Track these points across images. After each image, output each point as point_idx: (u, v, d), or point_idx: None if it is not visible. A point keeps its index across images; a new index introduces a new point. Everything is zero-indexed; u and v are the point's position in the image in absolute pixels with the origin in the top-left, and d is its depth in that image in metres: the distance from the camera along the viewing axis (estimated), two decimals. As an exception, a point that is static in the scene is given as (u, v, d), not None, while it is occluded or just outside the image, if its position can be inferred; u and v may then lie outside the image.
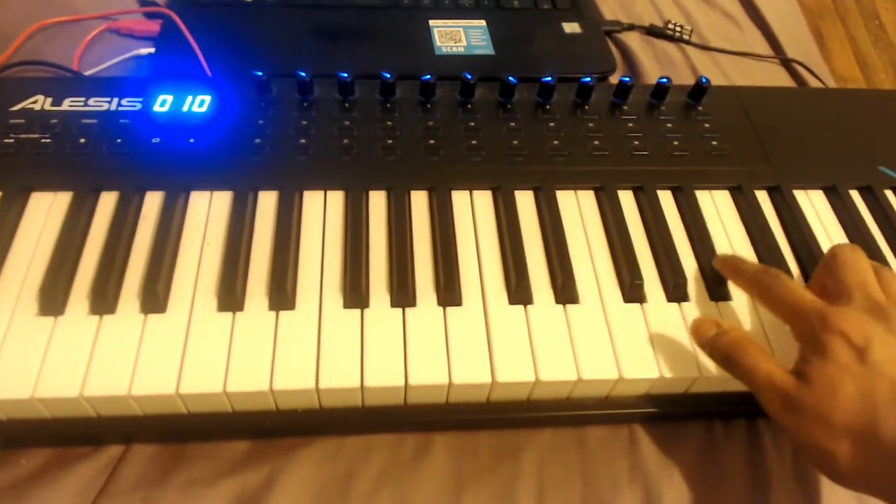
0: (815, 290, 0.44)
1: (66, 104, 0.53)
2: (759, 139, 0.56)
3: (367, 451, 0.44)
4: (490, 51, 0.68)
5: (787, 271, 0.48)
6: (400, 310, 0.44)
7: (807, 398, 0.37)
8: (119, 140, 0.51)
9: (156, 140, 0.51)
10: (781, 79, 0.74)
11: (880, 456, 0.35)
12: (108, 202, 0.48)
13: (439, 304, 0.45)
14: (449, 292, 0.45)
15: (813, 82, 0.73)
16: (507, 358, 0.43)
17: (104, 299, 0.43)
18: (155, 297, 0.43)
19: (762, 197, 0.53)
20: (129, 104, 0.53)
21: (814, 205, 0.54)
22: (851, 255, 0.43)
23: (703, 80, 0.57)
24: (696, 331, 0.44)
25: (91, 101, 0.53)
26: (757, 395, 0.40)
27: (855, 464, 0.36)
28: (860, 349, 0.37)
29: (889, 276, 0.43)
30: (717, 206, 0.52)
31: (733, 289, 0.47)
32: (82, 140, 0.50)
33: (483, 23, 0.70)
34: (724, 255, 0.48)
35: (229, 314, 0.43)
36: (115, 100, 0.53)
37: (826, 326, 0.39)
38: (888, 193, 0.55)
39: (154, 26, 0.66)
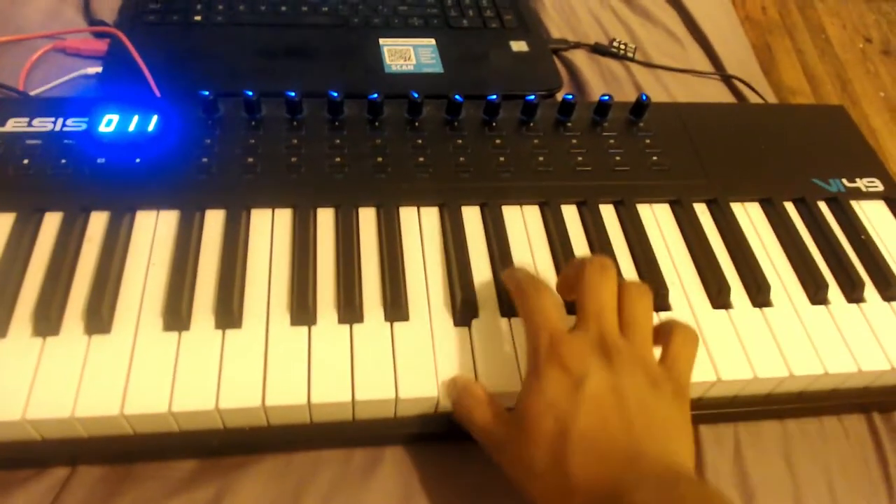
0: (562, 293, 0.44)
1: (10, 125, 0.52)
2: (697, 154, 0.58)
3: (316, 466, 0.44)
4: (440, 69, 0.69)
5: (725, 283, 0.50)
6: (347, 326, 0.45)
7: (509, 436, 0.38)
8: (63, 160, 0.50)
9: (101, 160, 0.51)
10: (723, 95, 0.76)
11: (577, 500, 0.35)
12: (51, 223, 0.48)
13: (386, 319, 0.45)
14: (395, 308, 0.45)
15: (753, 98, 0.76)
16: (452, 372, 0.43)
17: (47, 321, 0.43)
18: (99, 318, 0.43)
19: (701, 210, 0.55)
20: (75, 124, 0.53)
21: (750, 217, 0.56)
22: (597, 278, 0.41)
23: (644, 98, 0.59)
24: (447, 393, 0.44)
25: (35, 122, 0.53)
26: (476, 440, 0.41)
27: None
28: (575, 382, 0.37)
29: (632, 297, 0.41)
30: (657, 220, 0.54)
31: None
32: (25, 161, 0.50)
33: (433, 41, 0.72)
34: (511, 268, 0.47)
35: (175, 333, 0.43)
36: (60, 120, 0.53)
37: (550, 354, 0.38)
38: (821, 205, 0.57)
39: (101, 45, 0.66)
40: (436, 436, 0.45)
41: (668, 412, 0.38)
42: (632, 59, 0.76)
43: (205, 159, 0.52)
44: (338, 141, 0.54)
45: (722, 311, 0.49)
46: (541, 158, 0.56)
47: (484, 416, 0.41)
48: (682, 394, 0.39)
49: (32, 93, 0.62)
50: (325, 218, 0.50)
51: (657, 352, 0.41)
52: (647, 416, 0.37)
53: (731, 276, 0.51)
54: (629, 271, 0.50)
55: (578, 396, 0.36)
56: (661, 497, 0.33)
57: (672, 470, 0.35)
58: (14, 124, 0.52)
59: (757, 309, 0.50)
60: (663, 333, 0.41)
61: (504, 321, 0.46)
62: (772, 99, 0.77)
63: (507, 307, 0.47)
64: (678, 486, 0.34)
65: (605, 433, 0.36)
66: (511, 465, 0.39)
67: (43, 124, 0.52)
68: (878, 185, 0.59)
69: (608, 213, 0.54)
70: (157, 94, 0.61)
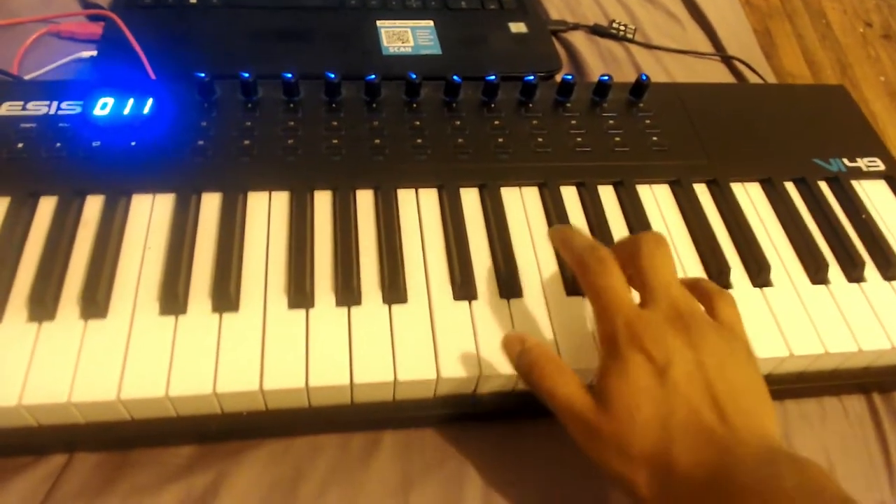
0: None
1: (4, 108, 0.52)
2: (697, 134, 0.58)
3: (315, 451, 0.44)
4: (437, 51, 0.68)
5: (725, 263, 0.49)
6: (345, 309, 0.44)
7: (605, 426, 0.36)
8: (58, 144, 0.50)
9: (96, 143, 0.50)
10: (723, 76, 0.75)
11: (674, 484, 0.35)
12: (46, 207, 0.47)
13: (384, 302, 0.45)
14: (394, 290, 0.45)
15: (753, 78, 0.75)
16: (452, 354, 0.43)
17: (43, 306, 0.42)
18: (95, 303, 0.42)
19: (701, 190, 0.55)
20: (69, 108, 0.52)
21: (750, 197, 0.55)
22: (656, 252, 0.40)
23: (644, 78, 0.58)
24: (504, 348, 0.43)
25: (30, 105, 0.52)
26: (558, 418, 0.39)
27: (655, 494, 0.35)
28: (660, 369, 0.36)
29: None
30: (657, 200, 0.54)
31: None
32: (20, 145, 0.49)
33: (431, 23, 0.71)
34: (557, 227, 0.45)
35: (172, 317, 0.43)
36: (55, 103, 0.52)
37: (630, 339, 0.37)
38: (822, 185, 0.57)
39: (96, 29, 0.65)
40: (435, 419, 0.45)
41: (750, 377, 0.38)
42: (631, 41, 0.76)
43: (201, 142, 0.51)
44: (335, 123, 0.54)
45: (722, 292, 0.49)
46: (540, 139, 0.55)
47: (569, 389, 0.38)
48: (751, 352, 0.40)
49: (27, 77, 0.61)
50: (323, 200, 0.50)
51: None
52: (733, 387, 0.37)
53: (731, 257, 0.51)
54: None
55: (670, 382, 0.36)
56: (761, 475, 0.33)
57: (766, 445, 0.35)
58: (8, 108, 0.52)
59: (757, 289, 0.49)
60: (703, 294, 0.42)
61: (503, 303, 0.46)
62: (772, 80, 0.76)
63: (506, 289, 0.46)
64: (776, 462, 0.34)
65: (701, 416, 0.36)
66: (599, 446, 0.37)
67: (37, 108, 0.52)
68: (879, 165, 0.59)
69: (607, 193, 0.53)
70: (153, 77, 0.60)
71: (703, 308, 0.40)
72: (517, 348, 0.41)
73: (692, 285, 0.42)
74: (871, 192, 0.57)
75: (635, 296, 0.41)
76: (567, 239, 0.43)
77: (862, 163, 0.59)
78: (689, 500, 0.34)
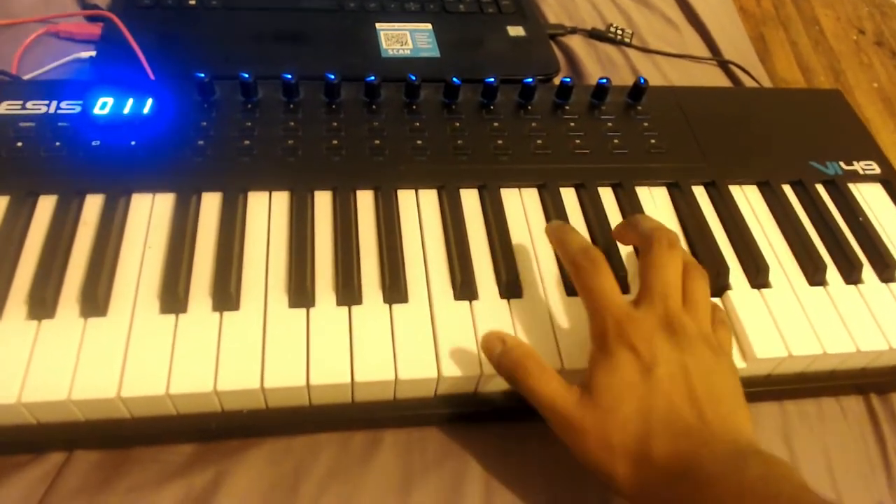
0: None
1: (3, 107, 0.52)
2: (695, 137, 0.58)
3: (315, 450, 0.44)
4: (436, 53, 0.69)
5: (724, 265, 0.50)
6: (346, 308, 0.44)
7: (587, 419, 0.38)
8: (58, 143, 0.50)
9: (96, 143, 0.50)
10: (719, 79, 0.76)
11: (652, 477, 0.36)
12: (46, 206, 0.47)
13: (385, 301, 0.45)
14: (394, 289, 0.45)
15: (749, 82, 0.76)
16: (453, 353, 0.43)
17: (43, 304, 0.42)
18: (95, 301, 0.42)
19: (699, 192, 0.55)
20: (69, 107, 0.52)
21: (748, 199, 0.56)
22: (666, 256, 0.42)
23: (642, 81, 0.59)
24: (484, 347, 0.43)
25: (29, 105, 0.52)
26: (541, 414, 0.40)
27: (632, 484, 0.37)
28: (646, 366, 0.38)
29: (695, 277, 0.43)
30: (655, 202, 0.54)
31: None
32: (19, 143, 0.49)
33: (429, 26, 0.71)
34: (554, 224, 0.47)
35: (172, 316, 0.43)
36: (55, 103, 0.52)
37: (619, 336, 0.39)
38: (819, 187, 0.57)
39: (95, 29, 0.65)
40: (435, 418, 0.45)
41: (730, 386, 0.40)
42: (629, 45, 0.76)
43: (201, 142, 0.51)
44: (335, 124, 0.54)
45: (721, 293, 0.49)
46: (539, 141, 0.55)
47: (550, 386, 0.39)
48: (734, 366, 0.41)
49: (25, 77, 0.61)
50: (323, 200, 0.50)
51: None
52: (713, 391, 0.38)
53: (729, 258, 0.51)
54: (629, 254, 0.50)
55: (654, 378, 0.38)
56: (731, 469, 0.35)
57: (739, 443, 0.37)
58: (7, 107, 0.51)
59: (756, 290, 0.49)
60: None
61: (504, 303, 0.46)
62: (767, 85, 0.77)
63: (507, 289, 0.46)
64: (744, 456, 0.36)
65: (679, 413, 0.37)
66: (581, 439, 0.38)
67: (37, 107, 0.52)
68: (875, 168, 0.59)
69: (607, 195, 0.54)
70: (152, 77, 0.60)
71: (696, 322, 0.41)
72: (498, 348, 0.42)
73: (688, 271, 0.43)
74: (868, 195, 0.57)
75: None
76: (562, 239, 0.45)
77: (858, 166, 0.59)
78: (664, 490, 0.36)
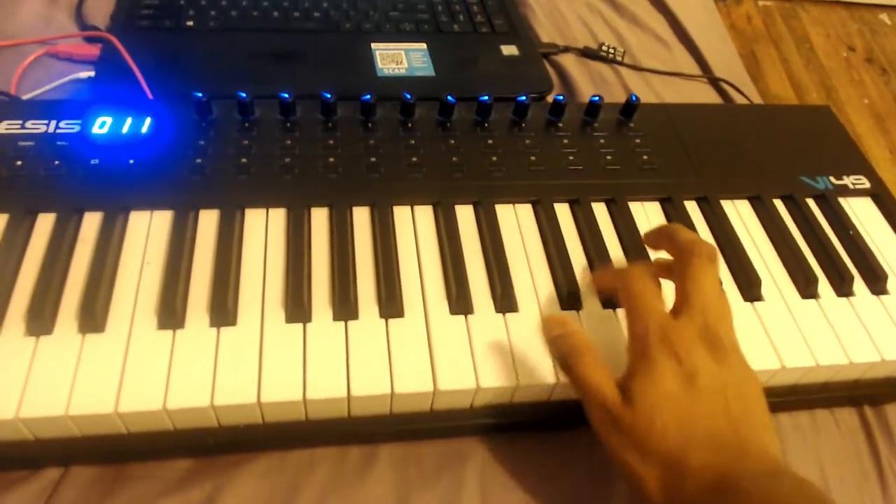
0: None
1: (3, 127, 0.52)
2: (687, 153, 0.59)
3: (311, 464, 0.44)
4: (431, 72, 0.69)
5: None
6: (342, 323, 0.45)
7: (627, 420, 0.38)
8: (57, 162, 0.50)
9: (94, 161, 0.51)
10: (710, 97, 0.77)
11: (685, 488, 0.36)
12: (45, 224, 0.48)
13: (381, 316, 0.46)
14: (390, 304, 0.45)
15: (740, 100, 0.77)
16: (448, 366, 0.44)
17: (41, 320, 0.42)
18: (93, 317, 0.43)
19: (691, 207, 0.56)
20: (68, 126, 0.53)
21: (740, 214, 0.56)
22: (707, 270, 0.42)
23: (634, 98, 0.60)
24: (544, 327, 0.44)
25: (28, 124, 0.53)
26: (584, 404, 0.40)
27: (662, 493, 0.37)
28: (688, 376, 0.38)
29: (723, 293, 0.44)
30: (648, 217, 0.55)
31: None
32: (18, 162, 0.50)
33: (424, 45, 0.72)
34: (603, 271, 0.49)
35: (169, 332, 0.43)
36: (53, 122, 0.53)
37: (662, 342, 0.39)
38: (810, 202, 0.58)
39: (94, 50, 0.66)
40: (431, 432, 0.45)
41: (760, 404, 0.40)
42: (620, 63, 0.77)
43: (199, 160, 0.52)
44: (331, 142, 0.55)
45: (714, 306, 0.49)
46: (533, 158, 0.56)
47: (600, 378, 0.40)
48: (759, 383, 0.41)
49: (24, 97, 0.62)
50: (320, 217, 0.50)
51: None
52: (747, 407, 0.39)
53: (722, 273, 0.51)
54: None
55: (694, 389, 0.38)
56: (766, 486, 0.35)
57: (774, 461, 0.38)
58: (7, 126, 0.52)
59: (748, 303, 0.50)
60: None
61: (499, 317, 0.47)
62: (758, 101, 0.78)
63: (502, 303, 0.47)
64: (782, 477, 0.36)
65: (717, 425, 0.38)
66: (619, 439, 0.38)
67: (36, 126, 0.52)
68: (865, 183, 0.60)
69: (600, 211, 0.54)
70: (150, 97, 0.61)
71: (728, 338, 0.41)
72: (557, 331, 0.43)
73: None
74: (858, 209, 0.58)
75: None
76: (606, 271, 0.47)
77: (848, 181, 0.60)
78: (695, 501, 0.36)
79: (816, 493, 0.36)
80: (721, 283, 0.45)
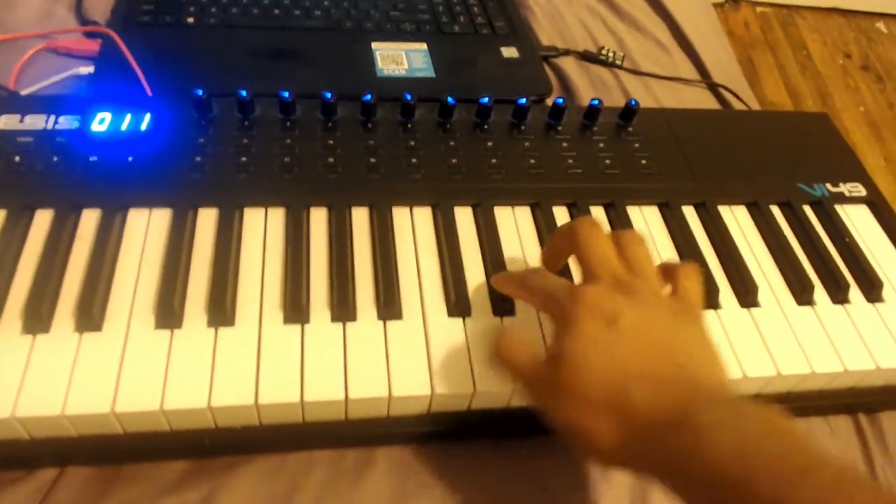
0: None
1: (2, 122, 0.52)
2: (685, 158, 0.59)
3: (309, 467, 0.44)
4: (431, 73, 0.69)
5: (714, 284, 0.50)
6: (340, 324, 0.45)
7: (561, 377, 0.37)
8: (55, 158, 0.50)
9: (93, 158, 0.50)
10: (708, 102, 0.77)
11: (636, 427, 0.35)
12: (42, 220, 0.47)
13: (379, 318, 0.45)
14: (389, 306, 0.45)
15: (738, 105, 0.77)
16: (446, 370, 0.44)
17: (38, 318, 0.42)
18: (90, 316, 0.42)
19: (689, 212, 0.56)
20: (67, 122, 0.53)
21: (737, 220, 0.56)
22: (590, 232, 0.42)
23: (633, 103, 0.60)
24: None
25: (27, 119, 0.52)
26: (523, 389, 0.41)
27: (616, 440, 0.36)
28: (609, 319, 0.38)
29: (628, 242, 0.43)
30: (646, 221, 0.55)
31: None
32: (17, 158, 0.50)
33: (424, 46, 0.72)
34: (497, 275, 0.47)
35: (167, 331, 0.43)
36: (53, 118, 0.53)
37: (575, 301, 0.39)
38: (806, 209, 0.58)
39: (93, 46, 0.66)
40: (428, 436, 0.46)
41: (699, 338, 0.40)
42: (620, 67, 0.77)
43: (198, 158, 0.52)
44: (331, 141, 0.54)
45: (710, 312, 0.50)
46: (532, 161, 0.56)
47: (527, 356, 0.40)
48: (702, 321, 0.41)
49: (23, 92, 0.61)
50: (319, 217, 0.50)
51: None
52: (684, 343, 0.38)
53: (719, 278, 0.52)
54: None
55: (617, 330, 0.37)
56: (726, 416, 0.34)
57: (730, 391, 0.37)
58: (5, 121, 0.52)
59: (745, 309, 0.50)
60: (668, 272, 0.43)
61: (497, 320, 0.47)
62: (756, 107, 0.78)
63: (500, 306, 0.47)
64: (741, 405, 0.35)
65: (654, 361, 0.37)
66: (559, 403, 0.38)
67: (35, 122, 0.52)
68: (861, 190, 0.60)
69: (598, 214, 0.54)
70: (150, 93, 0.61)
71: (647, 284, 0.41)
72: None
73: (661, 270, 0.43)
74: (854, 217, 0.58)
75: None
76: (506, 279, 0.46)
77: (844, 188, 0.60)
78: (654, 444, 0.35)
79: (777, 417, 0.34)
80: (633, 237, 0.43)
